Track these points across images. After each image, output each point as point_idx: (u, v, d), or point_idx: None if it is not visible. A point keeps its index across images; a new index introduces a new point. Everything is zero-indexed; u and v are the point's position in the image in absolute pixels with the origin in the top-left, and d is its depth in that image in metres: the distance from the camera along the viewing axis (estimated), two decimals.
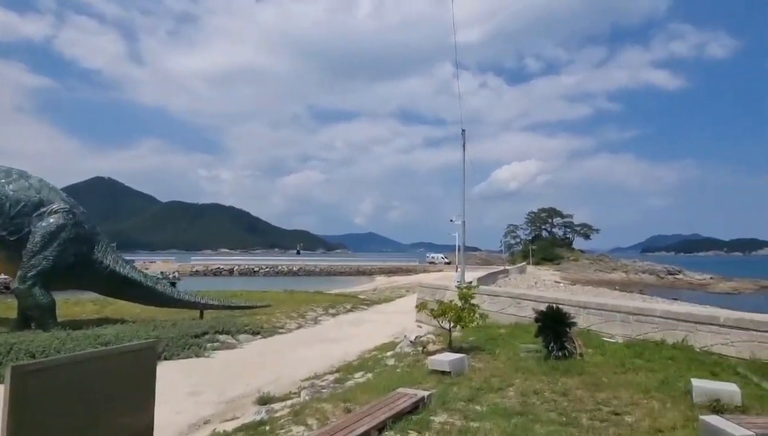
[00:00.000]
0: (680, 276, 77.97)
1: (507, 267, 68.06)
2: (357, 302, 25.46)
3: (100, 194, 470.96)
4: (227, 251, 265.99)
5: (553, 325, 8.00)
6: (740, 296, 59.09)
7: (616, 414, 5.63)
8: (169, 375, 10.10)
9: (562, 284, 58.16)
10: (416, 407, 5.69)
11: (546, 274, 78.13)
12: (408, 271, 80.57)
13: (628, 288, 62.94)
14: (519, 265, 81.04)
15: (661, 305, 10.35)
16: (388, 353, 11.17)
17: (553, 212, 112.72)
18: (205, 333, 13.63)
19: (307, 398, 7.52)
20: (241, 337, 14.32)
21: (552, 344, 8.00)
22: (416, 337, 12.03)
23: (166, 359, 11.39)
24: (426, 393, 5.99)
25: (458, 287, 11.67)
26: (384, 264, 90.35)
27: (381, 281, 63.31)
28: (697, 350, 8.63)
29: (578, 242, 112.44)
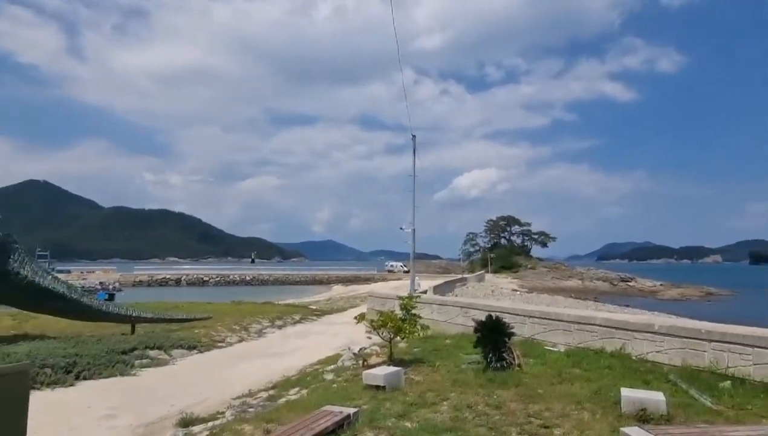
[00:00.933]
0: (632, 283, 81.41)
1: (465, 275, 69.10)
2: (307, 313, 24.99)
3: (35, 199, 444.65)
4: (176, 259, 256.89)
5: (492, 335, 8.00)
6: (687, 302, 62.31)
7: (546, 427, 5.62)
8: (85, 397, 9.47)
9: (518, 292, 59.45)
10: (341, 426, 5.49)
11: (504, 282, 79.84)
12: (366, 279, 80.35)
13: (583, 295, 65.15)
14: (477, 273, 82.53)
15: (601, 313, 10.58)
16: (330, 367, 10.89)
17: (511, 220, 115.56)
18: (133, 349, 12.92)
19: (231, 418, 7.16)
20: (175, 352, 13.67)
21: (491, 355, 7.99)
22: (360, 349, 11.83)
23: (85, 378, 10.68)
24: (352, 410, 5.79)
25: (399, 297, 11.55)
26: (341, 273, 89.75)
27: (337, 290, 62.82)
28: (634, 357, 8.86)
29: (536, 250, 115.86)
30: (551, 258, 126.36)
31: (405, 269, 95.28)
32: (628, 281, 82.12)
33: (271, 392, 9.46)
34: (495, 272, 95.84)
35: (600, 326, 9.78)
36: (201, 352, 14.33)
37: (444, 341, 12.14)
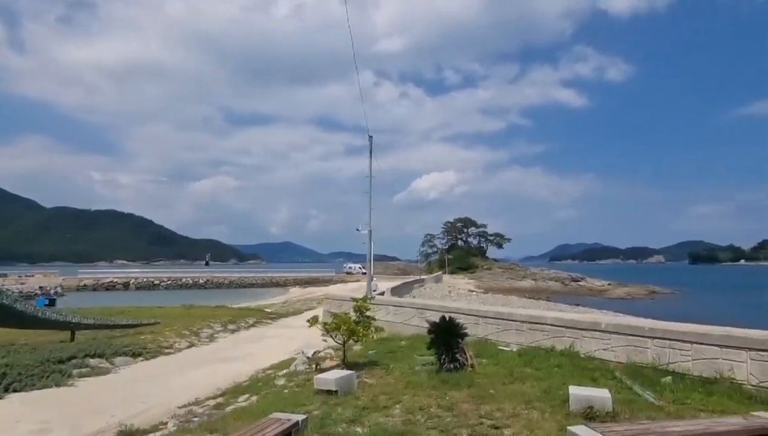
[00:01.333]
0: (583, 283, 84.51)
1: (423, 277, 69.74)
2: (262, 316, 24.45)
3: None
4: (125, 262, 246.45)
5: (445, 337, 7.99)
6: (633, 300, 65.25)
7: (496, 428, 5.62)
8: (15, 410, 8.83)
9: (474, 293, 60.52)
10: (288, 433, 5.28)
11: (461, 282, 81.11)
12: (325, 281, 79.64)
13: (537, 295, 67.09)
14: (435, 274, 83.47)
15: (551, 312, 10.81)
16: (282, 372, 10.62)
17: (468, 222, 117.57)
18: (72, 357, 12.19)
19: (173, 429, 6.81)
20: (118, 360, 13.00)
21: (444, 357, 7.98)
22: (314, 353, 11.60)
23: (15, 390, 9.96)
24: (301, 417, 5.60)
25: (354, 299, 11.40)
26: (299, 275, 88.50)
27: (295, 292, 61.95)
28: (582, 355, 9.07)
29: (492, 251, 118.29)
30: (507, 259, 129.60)
31: (364, 270, 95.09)
32: (578, 281, 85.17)
33: (219, 399, 9.11)
34: (452, 272, 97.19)
35: (550, 325, 9.97)
36: (147, 359, 13.69)
37: (399, 343, 12.10)
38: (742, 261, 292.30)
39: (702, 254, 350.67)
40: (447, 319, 8.32)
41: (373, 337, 9.74)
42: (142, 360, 13.51)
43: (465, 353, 8.13)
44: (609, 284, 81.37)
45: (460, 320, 11.85)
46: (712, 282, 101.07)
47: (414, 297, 47.84)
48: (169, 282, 74.28)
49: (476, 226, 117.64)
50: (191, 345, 16.05)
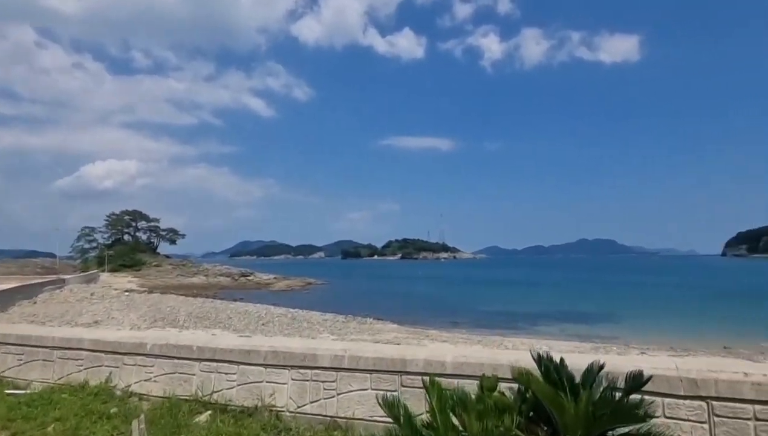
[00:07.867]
0: (251, 277, 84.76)
1: (66, 276, 55.50)
2: None
3: None
4: None
5: None
6: (291, 291, 68.83)
7: None
8: None
9: (130, 293, 51.59)
10: None
11: (122, 281, 68.94)
12: None
13: (206, 292, 62.62)
14: (89, 273, 68.58)
15: (92, 333, 7.55)
16: None
17: (138, 215, 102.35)
18: None
19: None
20: None
21: None
22: None
23: None
24: None
25: None
26: None
27: None
28: (119, 391, 6.22)
29: (166, 248, 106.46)
30: (188, 255, 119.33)
31: None
32: (247, 276, 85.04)
33: None
34: (114, 270, 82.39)
35: (88, 350, 6.74)
36: None
37: None
38: (376, 256, 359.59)
39: (351, 251, 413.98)
40: None
41: None
42: None
43: None
44: (275, 278, 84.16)
45: None
46: (352, 273, 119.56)
47: (35, 303, 36.33)
48: None
49: (147, 220, 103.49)
50: None
